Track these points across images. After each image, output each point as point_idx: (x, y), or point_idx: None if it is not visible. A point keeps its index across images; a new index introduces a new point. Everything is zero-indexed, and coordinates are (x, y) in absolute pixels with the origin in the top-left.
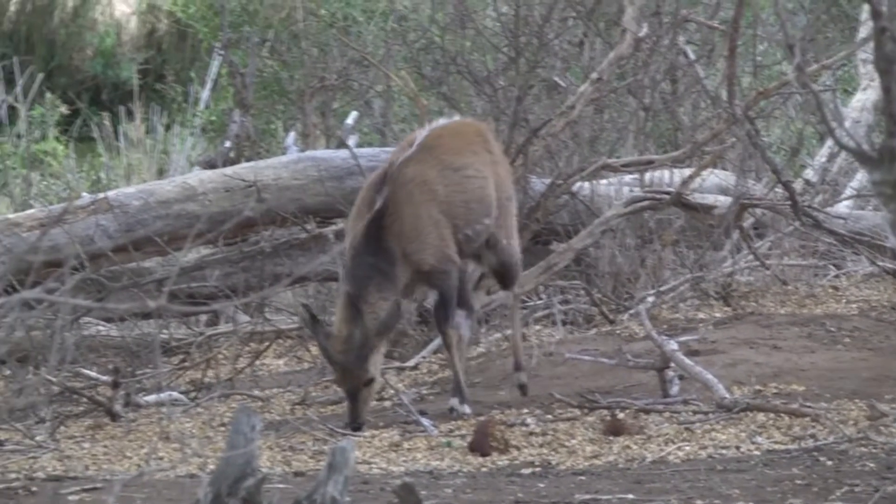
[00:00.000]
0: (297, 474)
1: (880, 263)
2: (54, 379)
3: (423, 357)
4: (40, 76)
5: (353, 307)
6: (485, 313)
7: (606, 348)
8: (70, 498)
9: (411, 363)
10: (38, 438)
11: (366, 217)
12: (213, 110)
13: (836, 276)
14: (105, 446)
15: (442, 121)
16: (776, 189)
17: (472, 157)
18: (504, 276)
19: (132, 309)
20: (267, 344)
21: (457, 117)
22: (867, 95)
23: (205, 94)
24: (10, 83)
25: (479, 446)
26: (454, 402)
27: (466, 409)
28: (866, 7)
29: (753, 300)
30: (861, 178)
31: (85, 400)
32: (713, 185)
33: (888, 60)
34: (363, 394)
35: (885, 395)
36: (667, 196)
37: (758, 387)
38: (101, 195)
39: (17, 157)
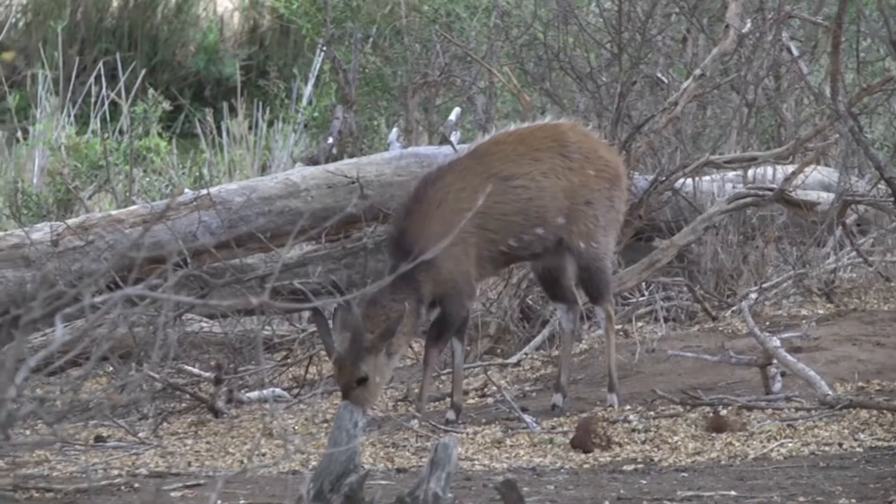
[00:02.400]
0: (399, 470)
1: None
2: (157, 375)
3: (526, 354)
4: (143, 72)
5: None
6: (586, 310)
7: (709, 345)
8: (172, 494)
9: (514, 360)
10: (140, 435)
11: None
12: (315, 106)
13: None
14: (207, 443)
15: (517, 125)
16: (879, 185)
17: (531, 166)
18: (589, 284)
19: (235, 305)
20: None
21: (545, 119)
22: None
23: (307, 90)
24: (112, 79)
25: (582, 443)
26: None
27: (415, 423)
28: None
29: (856, 297)
30: None
31: (187, 396)
32: (816, 182)
33: None
34: (355, 393)
35: None
36: (770, 192)
37: (860, 383)
38: (204, 192)
39: (119, 154)
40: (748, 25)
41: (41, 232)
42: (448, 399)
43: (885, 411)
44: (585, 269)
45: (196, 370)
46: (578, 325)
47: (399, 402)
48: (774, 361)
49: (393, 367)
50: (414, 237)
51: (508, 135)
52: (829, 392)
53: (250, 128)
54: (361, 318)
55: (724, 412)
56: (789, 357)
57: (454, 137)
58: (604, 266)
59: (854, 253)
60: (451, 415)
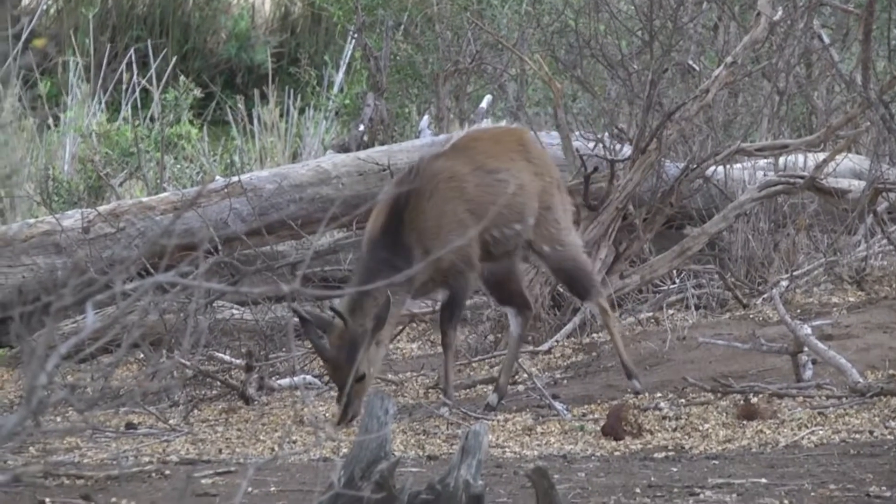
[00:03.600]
0: (430, 458)
1: None
2: (188, 363)
3: (557, 341)
4: (174, 59)
5: (353, 301)
6: (617, 297)
7: (740, 332)
8: (203, 481)
9: (545, 347)
10: (171, 422)
11: (386, 212)
12: (346, 94)
13: None
14: (238, 430)
15: (483, 125)
16: None
17: (509, 164)
18: (570, 284)
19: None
20: (400, 328)
21: (501, 123)
22: None
23: (339, 77)
24: (144, 66)
25: (613, 430)
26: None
27: (445, 411)
28: None
29: (887, 284)
30: None
31: (218, 383)
32: (847, 170)
33: None
34: (353, 389)
35: None
36: (801, 180)
37: (891, 371)
38: (235, 179)
39: (150, 141)
40: (779, 13)
41: (72, 219)
42: (481, 386)
43: None
44: (559, 270)
45: (227, 357)
46: (525, 328)
47: (430, 390)
48: (805, 349)
49: (382, 357)
50: (406, 228)
51: (482, 132)
52: (860, 380)
53: (281, 115)
54: (352, 309)
55: (754, 400)
56: (820, 345)
57: (485, 125)
58: (578, 263)
59: (885, 241)
60: (493, 399)
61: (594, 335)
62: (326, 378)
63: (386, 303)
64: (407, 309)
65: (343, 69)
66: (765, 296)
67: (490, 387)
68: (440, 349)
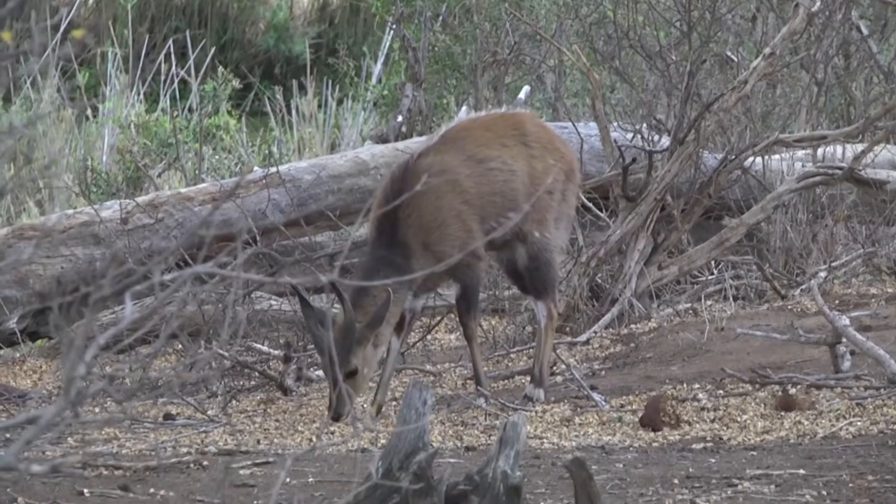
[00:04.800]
0: (468, 449)
1: None
2: (226, 353)
3: (595, 332)
4: (213, 50)
5: (352, 299)
6: (655, 288)
7: (778, 324)
8: (241, 472)
9: (583, 338)
10: (209, 413)
11: (381, 209)
12: (385, 84)
13: None
14: (276, 421)
15: (477, 113)
16: None
17: (501, 150)
18: (534, 277)
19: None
20: (438, 319)
21: (500, 110)
22: None
23: (377, 68)
24: (182, 57)
25: (651, 421)
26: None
27: (482, 402)
28: None
29: None
30: None
31: (256, 374)
32: (885, 161)
33: None
34: (347, 384)
35: None
36: (839, 171)
37: None
38: (273, 169)
39: (189, 132)
40: (818, 4)
41: (111, 210)
42: (519, 378)
43: None
44: (534, 258)
45: (265, 348)
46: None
47: (468, 381)
48: (843, 340)
49: (379, 357)
50: (403, 225)
51: (472, 121)
52: None
53: (320, 106)
54: (351, 308)
55: (792, 391)
56: (858, 336)
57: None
58: (551, 259)
59: None
60: (536, 393)
61: (632, 326)
62: None
63: (386, 301)
64: (445, 300)
65: (381, 60)
66: (803, 287)
67: (527, 377)
68: (478, 340)
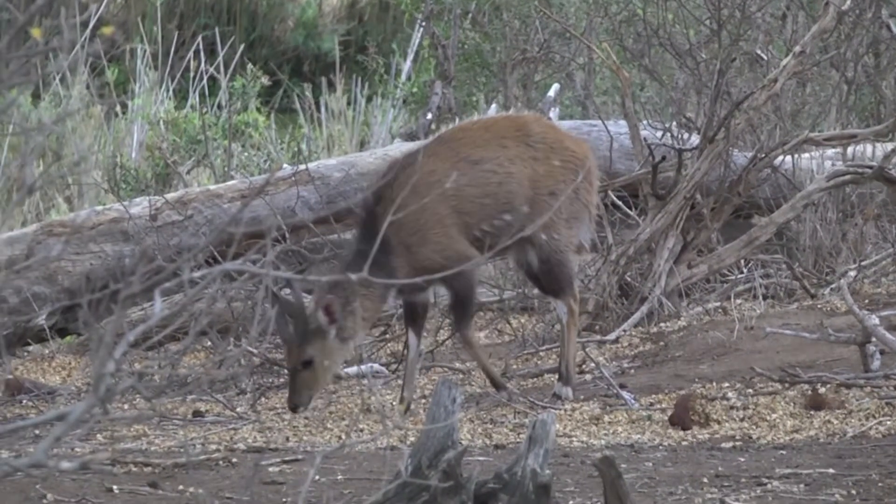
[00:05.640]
0: (497, 447)
1: None
2: (255, 350)
3: (624, 331)
4: (241, 47)
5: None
6: (685, 287)
7: (808, 323)
8: (270, 469)
9: (612, 336)
10: (239, 410)
11: (364, 205)
12: (414, 82)
13: None
14: (306, 418)
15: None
16: None
17: (498, 151)
18: (548, 277)
19: (333, 281)
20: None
21: (508, 112)
22: None
23: (406, 65)
24: (211, 54)
25: (680, 420)
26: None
27: (508, 399)
28: None
29: None
30: None
31: (286, 371)
32: None
33: None
34: (302, 375)
35: None
36: (869, 170)
37: None
38: (302, 167)
39: (218, 128)
40: (848, 2)
41: (140, 206)
42: (548, 376)
43: None
44: (545, 261)
45: None
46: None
47: None
48: (873, 339)
49: (348, 352)
50: (384, 222)
51: (473, 123)
52: None
53: (349, 103)
54: (322, 300)
55: (822, 390)
56: (888, 335)
57: (553, 114)
58: (564, 259)
59: None
60: (564, 391)
61: (662, 325)
62: (393, 367)
63: (346, 297)
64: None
65: (411, 57)
66: (832, 286)
67: (556, 375)
68: (507, 338)
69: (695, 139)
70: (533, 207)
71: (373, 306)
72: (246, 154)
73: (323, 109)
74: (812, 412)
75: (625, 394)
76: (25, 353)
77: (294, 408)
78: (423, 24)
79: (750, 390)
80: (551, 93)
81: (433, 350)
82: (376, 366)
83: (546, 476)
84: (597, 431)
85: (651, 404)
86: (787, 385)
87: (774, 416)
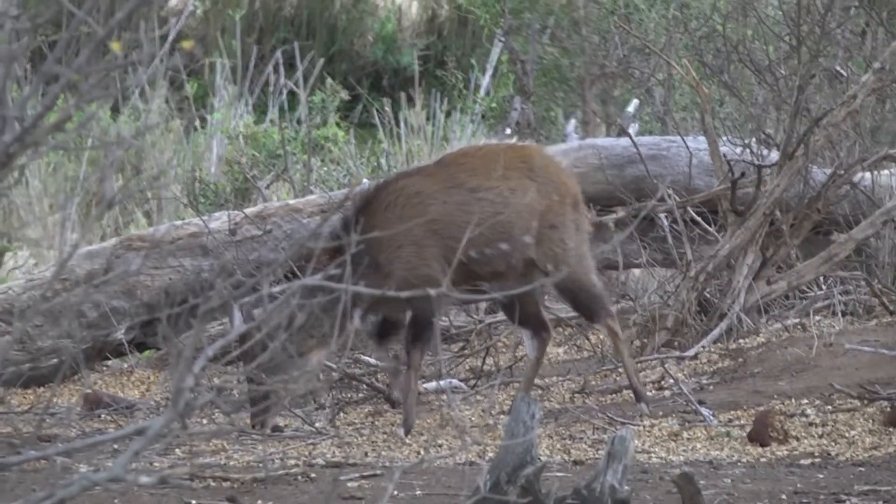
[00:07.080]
0: (576, 463)
1: None
2: (334, 365)
3: (703, 347)
4: (321, 61)
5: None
6: (764, 303)
7: (887, 339)
8: (349, 485)
9: (691, 353)
10: (317, 425)
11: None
12: (493, 97)
13: None
14: (384, 433)
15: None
16: None
17: (499, 182)
18: (577, 306)
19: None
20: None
21: (516, 141)
22: None
23: (485, 80)
24: (290, 68)
25: (759, 436)
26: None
27: (400, 432)
28: None
29: None
30: None
31: (365, 386)
32: None
33: None
34: (258, 392)
35: None
36: None
37: None
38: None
39: (297, 143)
40: None
41: (219, 221)
42: (627, 392)
43: None
44: (565, 290)
45: (373, 360)
46: (544, 353)
47: (576, 394)
48: None
49: (310, 367)
50: (367, 242)
51: (477, 149)
52: None
53: (428, 118)
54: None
55: None
56: None
57: (632, 129)
58: (584, 285)
59: None
60: (640, 407)
61: (741, 341)
62: (472, 382)
63: (305, 313)
64: (553, 314)
65: (489, 72)
66: None
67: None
68: (586, 353)
69: (774, 155)
70: (537, 240)
71: (346, 325)
72: (325, 169)
73: (402, 124)
74: (891, 429)
75: (703, 410)
76: (104, 368)
77: (256, 425)
78: (502, 39)
79: (829, 407)
80: (630, 108)
81: (511, 366)
82: (455, 381)
83: (625, 492)
84: (675, 448)
85: (730, 420)
86: (865, 402)
87: (853, 432)
